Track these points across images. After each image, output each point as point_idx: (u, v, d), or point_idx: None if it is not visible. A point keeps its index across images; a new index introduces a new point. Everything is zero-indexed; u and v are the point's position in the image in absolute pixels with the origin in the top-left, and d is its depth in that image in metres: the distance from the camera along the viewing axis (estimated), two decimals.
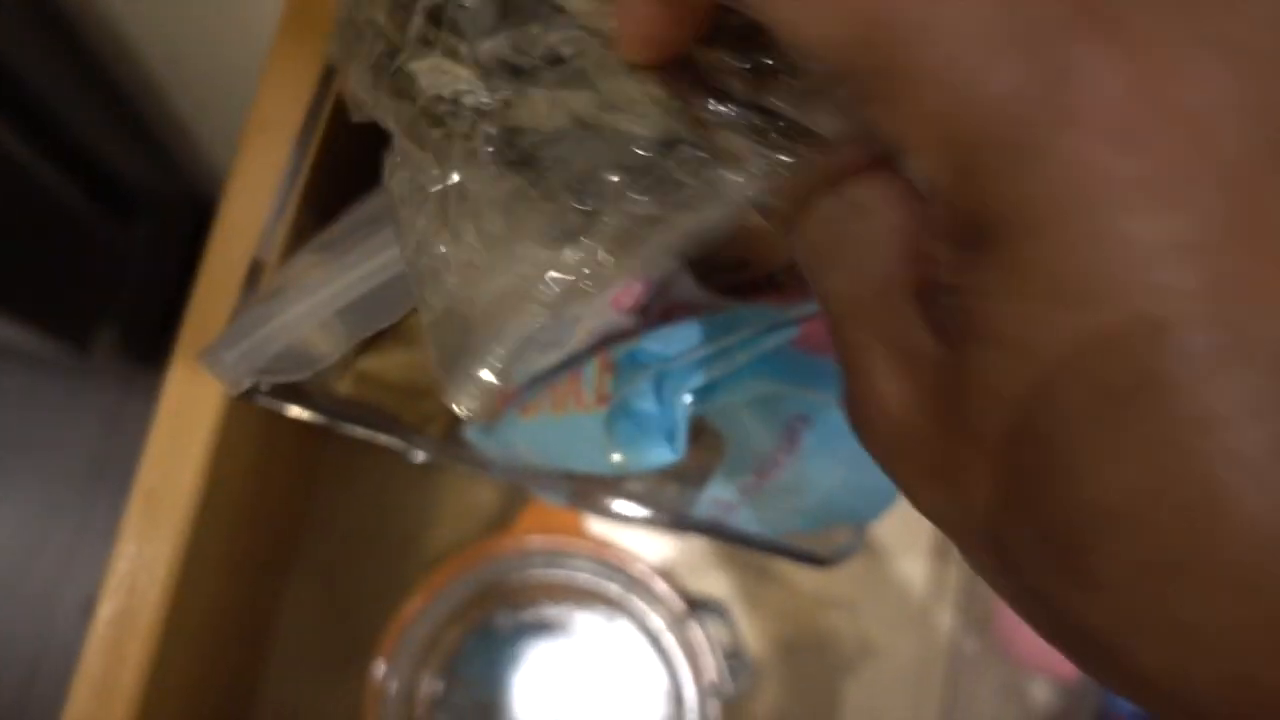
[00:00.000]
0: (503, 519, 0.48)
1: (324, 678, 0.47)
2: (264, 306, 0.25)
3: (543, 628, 0.44)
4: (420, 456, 0.36)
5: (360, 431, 0.32)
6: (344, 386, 0.34)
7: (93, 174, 0.70)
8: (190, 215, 0.87)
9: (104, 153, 0.70)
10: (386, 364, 0.34)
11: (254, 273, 0.28)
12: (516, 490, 0.48)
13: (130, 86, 0.64)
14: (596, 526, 0.45)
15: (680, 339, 0.28)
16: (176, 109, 0.66)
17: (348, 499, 0.49)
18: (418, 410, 0.35)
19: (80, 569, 0.90)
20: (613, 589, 0.43)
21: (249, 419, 0.36)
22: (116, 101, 0.66)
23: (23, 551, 0.89)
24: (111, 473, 0.90)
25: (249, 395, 0.30)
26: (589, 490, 0.33)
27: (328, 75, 0.30)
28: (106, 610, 0.33)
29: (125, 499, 0.33)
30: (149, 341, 0.84)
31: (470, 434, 0.33)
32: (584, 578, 0.43)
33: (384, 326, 0.24)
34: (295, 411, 0.32)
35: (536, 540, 0.43)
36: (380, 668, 0.43)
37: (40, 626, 0.88)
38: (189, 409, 0.34)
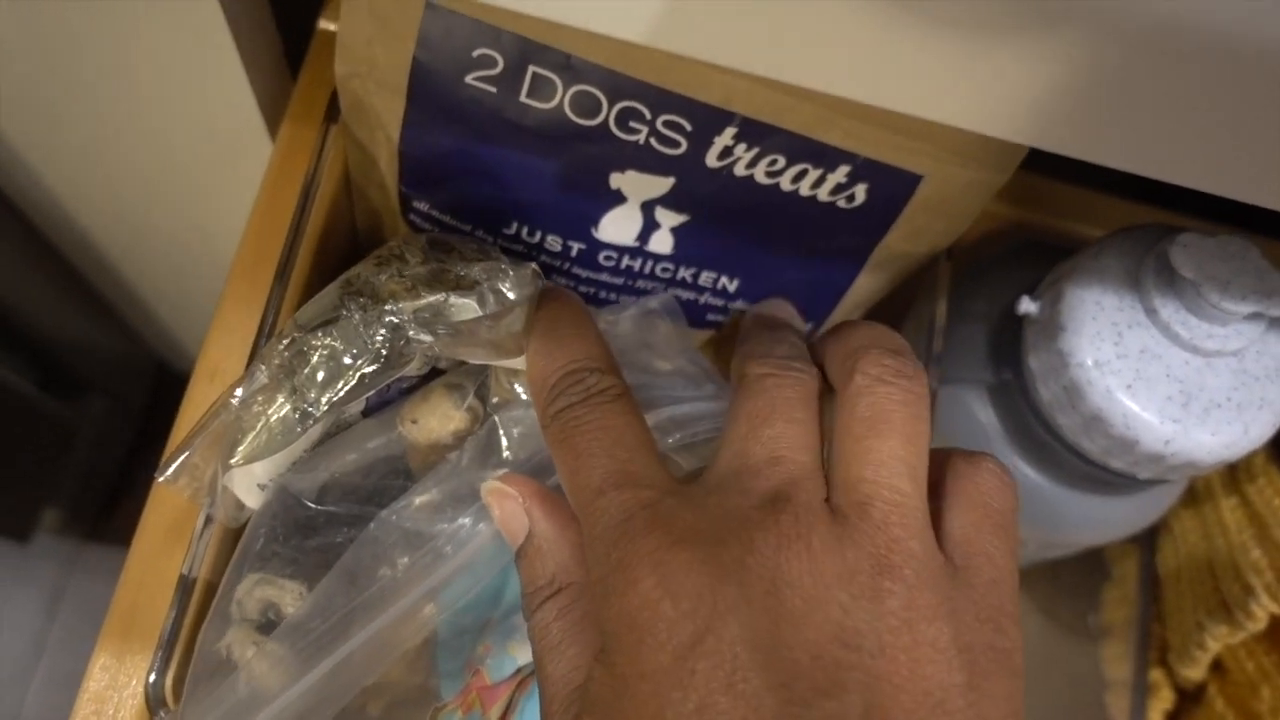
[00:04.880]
0: None
1: None
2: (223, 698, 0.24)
3: None
4: None
5: None
6: None
7: (44, 357, 0.69)
8: (145, 383, 0.86)
9: (57, 332, 0.69)
10: None
11: (182, 589, 0.26)
12: None
13: (88, 270, 0.64)
14: None
15: None
16: (135, 289, 0.66)
17: None
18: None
19: None
20: None
21: None
22: (75, 285, 0.65)
23: None
24: (51, 654, 0.86)
25: None
26: None
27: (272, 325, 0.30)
28: None
29: (60, 685, 0.30)
30: (95, 517, 0.82)
31: None
32: None
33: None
34: None
35: None
36: None
37: None
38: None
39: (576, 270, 0.31)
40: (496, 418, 0.24)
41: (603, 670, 0.19)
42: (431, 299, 0.23)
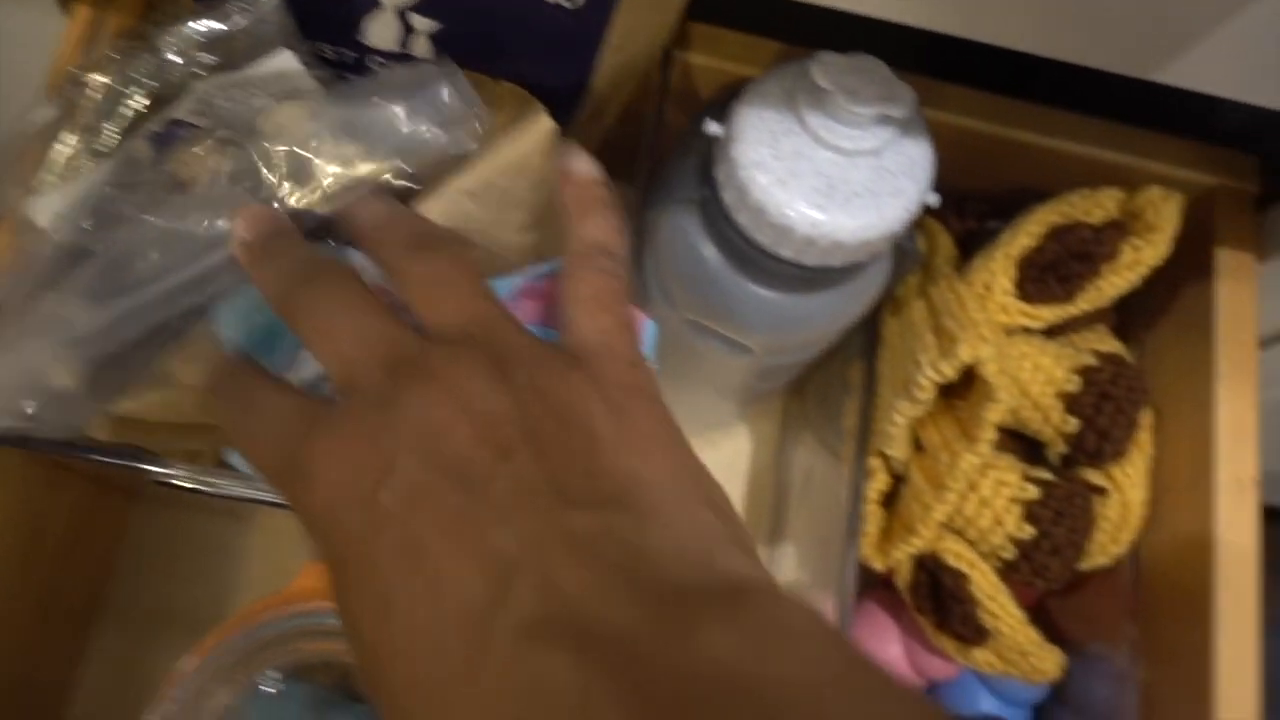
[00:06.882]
0: None
1: None
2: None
3: (312, 686, 0.45)
4: (186, 484, 0.39)
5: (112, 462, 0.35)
6: (102, 433, 0.37)
7: None
8: None
9: None
10: (143, 406, 0.36)
11: None
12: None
13: None
14: None
15: None
16: None
17: (154, 557, 0.53)
18: (182, 448, 0.38)
19: None
20: None
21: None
22: None
23: None
24: None
25: None
26: None
27: None
28: None
29: None
30: None
31: (234, 460, 0.35)
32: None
33: (132, 366, 0.28)
34: None
35: (303, 602, 0.44)
36: None
37: None
38: None
39: (353, 79, 0.37)
40: (251, 148, 0.29)
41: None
42: (189, 26, 0.28)
